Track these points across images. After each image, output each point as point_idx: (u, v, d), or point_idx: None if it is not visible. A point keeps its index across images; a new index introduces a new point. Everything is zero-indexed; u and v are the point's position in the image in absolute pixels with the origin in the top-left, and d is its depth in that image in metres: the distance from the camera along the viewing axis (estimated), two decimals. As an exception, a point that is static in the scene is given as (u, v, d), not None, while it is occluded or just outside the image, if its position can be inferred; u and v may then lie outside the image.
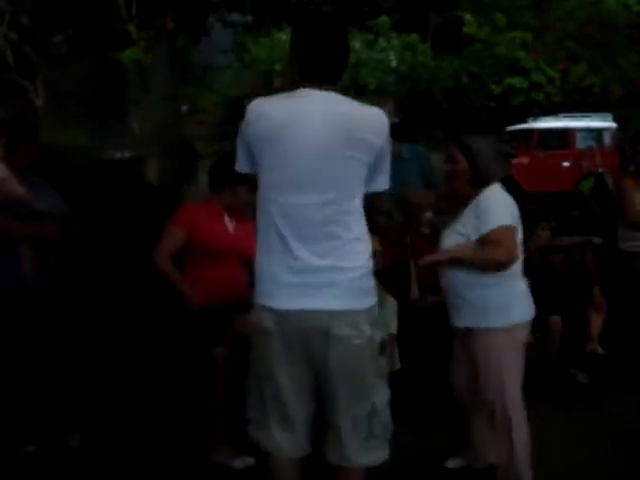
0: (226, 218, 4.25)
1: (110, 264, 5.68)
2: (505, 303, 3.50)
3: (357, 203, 2.72)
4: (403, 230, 5.57)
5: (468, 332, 3.58)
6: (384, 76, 21.78)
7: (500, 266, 3.43)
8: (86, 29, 14.59)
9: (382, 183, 2.82)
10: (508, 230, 3.43)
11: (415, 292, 5.51)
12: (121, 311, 5.53)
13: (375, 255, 5.34)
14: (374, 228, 5.53)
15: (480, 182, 3.54)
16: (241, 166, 2.81)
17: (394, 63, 22.13)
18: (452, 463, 3.98)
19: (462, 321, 3.59)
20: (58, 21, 14.56)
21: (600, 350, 5.64)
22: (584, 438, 4.42)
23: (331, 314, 2.63)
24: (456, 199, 3.69)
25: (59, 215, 4.25)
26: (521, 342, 3.57)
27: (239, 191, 4.08)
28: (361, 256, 2.71)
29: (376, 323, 2.77)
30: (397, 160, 5.80)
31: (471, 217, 3.49)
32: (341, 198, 2.66)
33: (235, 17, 23.10)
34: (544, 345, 5.41)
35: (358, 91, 21.17)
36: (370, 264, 2.75)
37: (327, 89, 2.70)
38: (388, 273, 5.45)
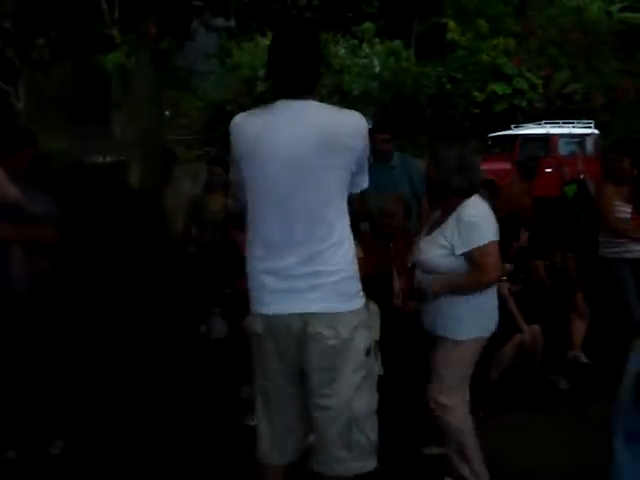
0: None
1: (93, 268, 5.64)
2: (474, 316, 3.56)
3: (339, 208, 2.78)
4: (385, 237, 5.56)
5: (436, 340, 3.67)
6: (368, 82, 21.79)
7: (490, 285, 3.49)
8: (69, 33, 14.51)
9: (363, 183, 2.95)
10: (493, 246, 3.47)
11: (398, 298, 5.50)
12: (106, 316, 5.50)
13: (357, 262, 5.36)
14: (356, 235, 5.57)
15: (445, 192, 3.59)
16: (236, 177, 2.90)
17: (378, 69, 22.15)
18: (429, 450, 4.09)
19: (432, 330, 3.71)
20: (40, 25, 14.48)
21: (583, 358, 5.65)
22: (567, 444, 4.42)
23: (310, 316, 2.69)
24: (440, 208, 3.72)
25: (52, 219, 4.23)
26: (477, 352, 3.64)
27: None
28: (342, 260, 2.75)
29: (364, 327, 2.80)
30: (387, 168, 5.87)
31: (454, 230, 3.50)
32: (322, 205, 2.72)
33: (219, 22, 23.07)
34: (526, 353, 5.42)
35: (342, 97, 21.19)
36: (354, 268, 2.80)
37: (304, 99, 2.76)
38: (370, 279, 5.45)
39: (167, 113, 18.30)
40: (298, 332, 2.70)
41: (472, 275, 3.48)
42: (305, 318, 2.70)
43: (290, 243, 2.72)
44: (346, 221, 2.82)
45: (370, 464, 2.77)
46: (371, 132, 6.28)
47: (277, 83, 2.82)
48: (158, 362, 5.22)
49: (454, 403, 3.60)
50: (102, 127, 17.10)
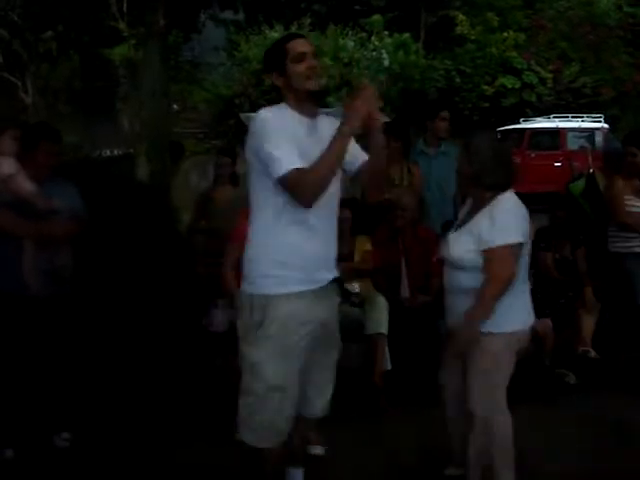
0: None
1: (99, 261, 5.64)
2: (508, 309, 3.41)
3: None
4: (394, 230, 5.54)
5: None
6: (376, 75, 21.73)
7: (508, 284, 3.37)
8: (76, 26, 14.53)
9: None
10: (508, 250, 3.36)
11: (406, 292, 5.48)
12: (113, 311, 5.50)
13: (366, 255, 5.36)
14: (366, 229, 5.56)
15: (480, 184, 3.46)
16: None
17: (386, 62, 22.07)
18: (450, 471, 3.85)
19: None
20: (48, 17, 14.50)
21: (593, 353, 5.61)
22: (574, 439, 4.40)
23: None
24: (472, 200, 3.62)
25: (75, 213, 4.23)
26: (516, 349, 3.52)
27: None
28: None
29: None
30: (436, 155, 5.96)
31: (484, 226, 3.39)
32: None
33: (227, 15, 23.08)
34: (536, 347, 5.39)
35: (350, 90, 21.16)
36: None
37: None
38: (379, 273, 5.43)
39: (175, 106, 18.31)
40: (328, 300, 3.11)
41: (486, 285, 3.35)
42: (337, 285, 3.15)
43: (329, 229, 3.12)
44: None
45: None
46: (434, 109, 6.42)
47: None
48: (160, 354, 5.22)
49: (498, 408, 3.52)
50: (110, 120, 17.13)
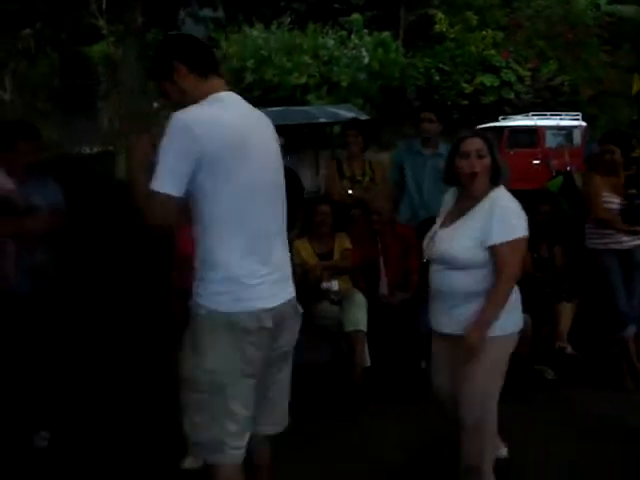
0: None
1: (82, 259, 5.64)
2: (504, 313, 3.34)
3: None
4: (372, 228, 5.57)
5: (457, 339, 3.38)
6: (356, 73, 21.76)
7: (516, 280, 3.34)
8: (54, 23, 14.43)
9: None
10: (521, 242, 3.33)
11: (384, 289, 5.51)
12: (94, 308, 5.49)
13: (345, 253, 5.38)
14: (344, 226, 5.59)
15: (497, 180, 3.41)
16: (170, 188, 2.57)
17: (366, 60, 22.12)
18: None
19: (457, 328, 3.38)
20: (26, 15, 14.38)
21: (569, 349, 5.65)
22: (552, 434, 4.44)
23: (293, 298, 2.89)
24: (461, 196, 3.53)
25: (56, 209, 4.23)
26: (509, 352, 3.49)
27: None
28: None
29: None
30: (434, 156, 5.97)
31: (486, 219, 3.31)
32: (284, 198, 2.88)
33: (206, 13, 23.00)
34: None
35: (330, 88, 21.18)
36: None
37: (221, 86, 2.81)
38: (358, 270, 5.46)
39: (156, 104, 18.22)
40: (284, 318, 2.80)
41: (500, 281, 3.28)
42: (292, 302, 2.86)
43: (276, 233, 2.82)
44: None
45: None
46: (416, 111, 6.27)
47: (198, 66, 2.85)
48: (144, 352, 5.22)
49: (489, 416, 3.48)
50: (89, 118, 17.03)
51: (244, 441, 2.75)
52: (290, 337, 2.89)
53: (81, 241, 5.50)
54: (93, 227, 6.06)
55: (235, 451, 2.72)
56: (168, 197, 2.56)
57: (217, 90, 2.76)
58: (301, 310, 2.98)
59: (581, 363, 5.53)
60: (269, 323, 2.70)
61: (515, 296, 3.45)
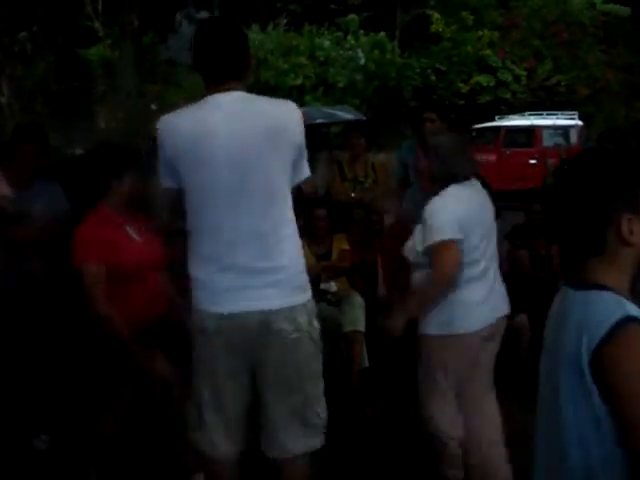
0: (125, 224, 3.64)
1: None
2: (445, 312, 3.43)
3: (287, 201, 2.79)
4: (370, 229, 5.58)
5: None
6: (352, 74, 21.79)
7: (449, 285, 3.38)
8: (51, 26, 14.43)
9: (305, 172, 2.86)
10: (444, 246, 3.32)
11: (382, 290, 5.52)
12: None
13: (343, 254, 5.39)
14: (343, 227, 5.60)
15: (440, 180, 3.45)
16: (166, 181, 2.82)
17: (362, 61, 22.15)
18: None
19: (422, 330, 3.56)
20: (22, 18, 14.38)
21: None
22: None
23: (270, 312, 2.70)
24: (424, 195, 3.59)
25: (52, 217, 4.22)
26: (466, 351, 3.51)
27: (124, 182, 3.58)
28: (293, 253, 2.79)
29: (314, 316, 2.85)
30: None
31: (422, 225, 3.40)
32: (268, 201, 2.71)
33: (202, 14, 23.00)
34: (513, 343, 5.44)
35: (326, 89, 21.20)
36: (303, 261, 2.83)
37: (232, 89, 2.72)
38: (356, 271, 5.47)
39: (153, 106, 18.22)
40: (255, 329, 2.71)
41: (433, 277, 3.38)
42: (264, 315, 2.70)
43: (241, 239, 2.70)
44: (292, 214, 2.82)
45: (321, 440, 2.93)
46: (415, 111, 6.20)
47: (202, 73, 2.78)
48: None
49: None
50: (86, 120, 17.02)
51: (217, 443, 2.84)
52: (280, 357, 2.75)
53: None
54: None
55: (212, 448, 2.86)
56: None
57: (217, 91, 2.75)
58: (305, 325, 2.78)
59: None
60: (212, 327, 2.73)
61: (472, 295, 3.45)
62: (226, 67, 2.73)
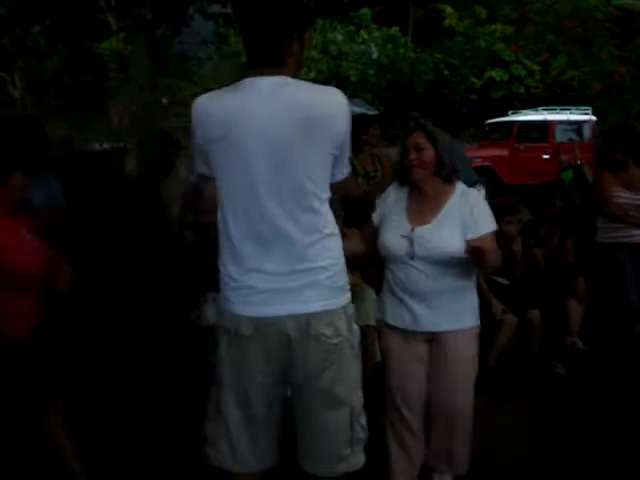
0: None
1: (88, 255, 5.64)
2: (474, 304, 3.49)
3: (324, 197, 2.55)
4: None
5: (436, 336, 3.45)
6: (365, 68, 21.76)
7: (494, 270, 3.45)
8: (64, 20, 14.44)
9: (343, 170, 2.61)
10: (495, 236, 3.43)
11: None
12: (102, 305, 5.49)
13: (355, 247, 5.35)
14: (354, 221, 5.57)
15: (445, 174, 3.41)
16: (200, 168, 2.63)
17: (375, 55, 22.12)
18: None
19: (433, 326, 3.43)
20: (35, 11, 14.41)
21: (580, 344, 5.65)
22: (563, 429, 4.44)
23: (309, 316, 2.51)
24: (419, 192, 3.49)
25: (49, 209, 4.22)
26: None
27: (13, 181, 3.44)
28: (334, 252, 2.59)
29: (354, 320, 2.66)
30: None
31: (466, 213, 3.34)
32: (305, 195, 2.48)
33: (215, 8, 23.00)
34: (524, 338, 5.43)
35: (339, 83, 21.16)
36: (343, 259, 2.64)
37: (272, 73, 2.49)
38: (368, 266, 5.45)
39: (165, 100, 18.25)
40: (293, 333, 2.51)
41: (488, 265, 3.36)
42: (302, 319, 2.50)
43: (275, 237, 2.49)
44: (330, 211, 2.59)
45: (363, 458, 2.71)
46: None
47: (247, 51, 2.56)
48: (150, 348, 5.22)
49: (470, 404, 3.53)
50: (99, 114, 17.06)
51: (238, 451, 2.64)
52: (322, 365, 2.54)
53: (91, 238, 5.50)
54: (103, 224, 6.07)
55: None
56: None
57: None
58: (344, 330, 2.59)
59: (592, 358, 5.52)
60: (247, 331, 2.54)
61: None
62: (264, 50, 2.51)
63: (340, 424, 2.60)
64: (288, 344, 2.52)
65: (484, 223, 3.37)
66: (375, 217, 3.62)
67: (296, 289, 2.51)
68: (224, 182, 2.54)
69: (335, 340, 2.54)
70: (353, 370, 2.66)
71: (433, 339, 3.46)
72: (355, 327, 2.66)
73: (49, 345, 4.12)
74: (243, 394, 2.59)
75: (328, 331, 2.53)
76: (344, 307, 2.61)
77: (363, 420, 2.68)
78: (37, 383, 3.55)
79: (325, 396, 2.57)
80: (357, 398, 2.67)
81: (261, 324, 2.52)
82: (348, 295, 2.65)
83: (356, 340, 2.66)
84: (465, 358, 3.44)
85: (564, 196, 6.26)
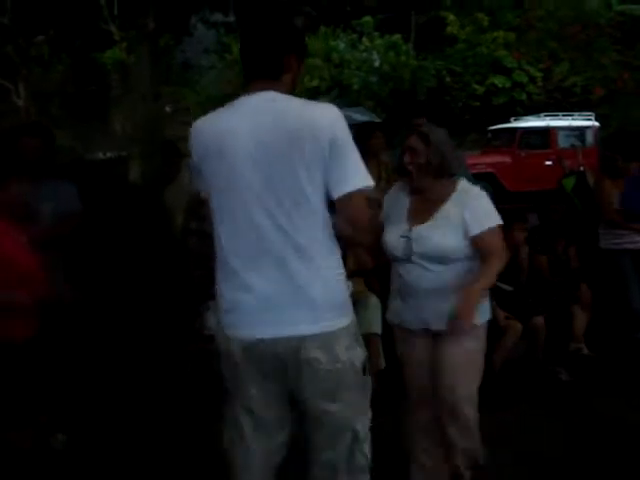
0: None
1: (95, 263, 5.66)
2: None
3: (317, 209, 2.41)
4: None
5: (440, 333, 3.43)
6: (367, 76, 21.78)
7: (501, 267, 3.42)
8: (67, 29, 14.49)
9: (344, 187, 2.41)
10: (500, 230, 3.41)
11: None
12: (106, 312, 5.50)
13: (358, 255, 5.36)
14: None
15: (442, 174, 3.41)
16: (197, 186, 2.64)
17: (377, 63, 22.14)
18: None
19: (436, 324, 3.41)
20: (39, 21, 14.46)
21: (585, 350, 5.65)
22: (568, 435, 4.43)
23: (301, 339, 2.38)
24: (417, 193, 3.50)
25: (63, 216, 4.23)
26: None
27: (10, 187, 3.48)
28: (330, 268, 2.48)
29: (357, 342, 2.52)
30: None
31: (465, 211, 3.34)
32: (296, 206, 2.38)
33: (217, 17, 23.07)
34: (529, 345, 5.43)
35: (341, 91, 21.19)
36: (341, 272, 2.53)
37: (266, 88, 2.45)
38: (372, 273, 5.46)
39: (168, 109, 18.29)
40: (285, 357, 2.39)
41: (492, 260, 3.33)
42: (293, 341, 2.38)
43: (267, 253, 2.39)
44: (327, 225, 2.45)
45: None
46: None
47: (243, 64, 2.55)
48: (153, 356, 5.23)
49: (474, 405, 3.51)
50: (102, 123, 17.11)
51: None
52: (315, 390, 2.43)
53: (95, 246, 5.52)
54: (107, 232, 6.08)
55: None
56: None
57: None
58: (342, 353, 2.43)
59: (596, 364, 5.52)
60: (238, 353, 2.46)
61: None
62: (258, 65, 2.49)
63: (339, 449, 2.50)
64: (282, 366, 2.42)
65: (486, 218, 3.37)
66: (381, 217, 3.62)
67: (287, 309, 2.39)
68: (215, 199, 2.50)
69: (330, 367, 2.41)
70: (356, 395, 2.51)
71: (438, 337, 3.46)
72: (359, 349, 2.52)
73: (48, 352, 4.15)
74: (247, 404, 2.54)
75: (322, 356, 2.39)
76: (345, 329, 2.47)
77: (367, 447, 2.56)
78: (31, 390, 3.56)
79: (322, 422, 2.48)
80: (362, 424, 2.53)
81: (252, 346, 2.43)
82: (349, 315, 2.53)
83: (360, 362, 2.51)
84: (468, 351, 3.42)
85: (566, 202, 6.26)
